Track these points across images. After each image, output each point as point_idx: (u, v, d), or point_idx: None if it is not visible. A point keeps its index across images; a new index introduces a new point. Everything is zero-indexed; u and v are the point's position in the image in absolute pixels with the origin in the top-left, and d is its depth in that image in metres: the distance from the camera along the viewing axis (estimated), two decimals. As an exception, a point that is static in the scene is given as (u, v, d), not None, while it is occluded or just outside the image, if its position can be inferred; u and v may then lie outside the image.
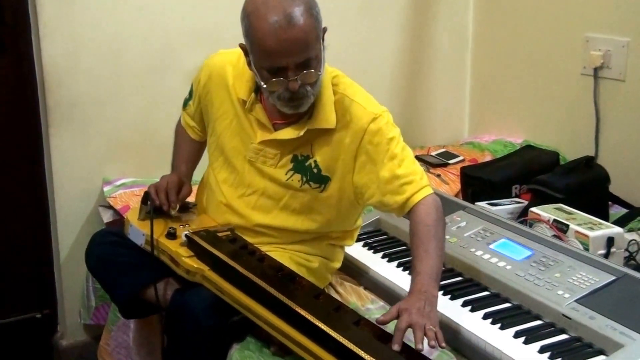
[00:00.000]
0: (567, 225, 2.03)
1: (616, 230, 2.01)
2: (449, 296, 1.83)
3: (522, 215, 2.26)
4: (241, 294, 1.65)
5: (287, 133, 1.79)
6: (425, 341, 1.46)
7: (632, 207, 2.48)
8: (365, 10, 2.96)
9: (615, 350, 1.56)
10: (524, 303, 1.78)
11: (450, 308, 1.78)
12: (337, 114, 1.77)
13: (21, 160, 2.64)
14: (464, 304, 1.79)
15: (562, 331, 1.68)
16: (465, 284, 1.90)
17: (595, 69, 2.65)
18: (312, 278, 1.84)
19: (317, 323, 1.50)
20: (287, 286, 1.63)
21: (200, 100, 1.95)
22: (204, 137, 2.02)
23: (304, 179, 1.81)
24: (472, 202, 2.36)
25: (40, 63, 2.48)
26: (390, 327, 1.53)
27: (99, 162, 2.63)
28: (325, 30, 1.71)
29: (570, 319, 1.67)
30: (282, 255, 1.83)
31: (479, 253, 1.96)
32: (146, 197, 1.89)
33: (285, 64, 1.63)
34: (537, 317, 1.74)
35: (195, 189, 2.06)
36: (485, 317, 1.74)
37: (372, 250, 2.12)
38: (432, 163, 2.86)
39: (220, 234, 1.83)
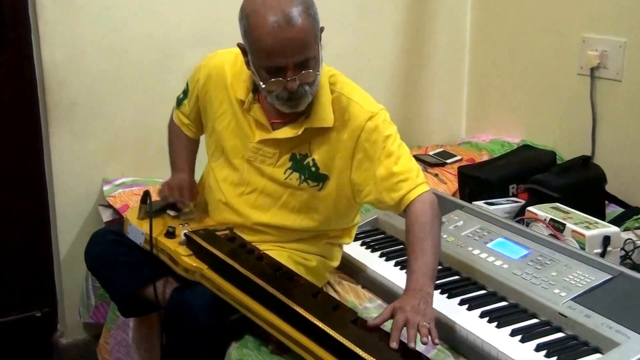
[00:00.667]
0: (564, 225, 2.04)
1: (612, 229, 2.02)
2: (446, 295, 1.84)
3: (519, 215, 2.27)
4: (240, 293, 1.66)
5: (285, 132, 1.80)
6: (418, 338, 1.47)
7: (629, 206, 2.50)
8: (364, 10, 2.97)
9: (610, 349, 1.57)
10: (520, 302, 1.79)
11: (447, 307, 1.79)
12: (335, 112, 1.78)
13: (21, 160, 2.64)
14: (461, 303, 1.80)
15: (558, 329, 1.69)
16: (462, 282, 1.91)
17: (592, 69, 2.66)
18: (310, 277, 1.85)
19: (315, 321, 1.51)
20: (285, 285, 1.64)
21: (198, 100, 1.95)
22: (199, 135, 2.03)
23: (302, 177, 1.83)
24: (470, 201, 2.37)
25: (40, 63, 2.49)
26: (387, 326, 1.54)
27: (99, 161, 2.63)
28: (322, 29, 1.72)
29: (566, 317, 1.68)
30: (281, 254, 1.84)
31: (476, 252, 1.97)
32: (145, 197, 1.90)
33: (284, 64, 1.64)
34: (534, 316, 1.75)
35: (194, 188, 2.07)
36: (482, 315, 1.75)
37: (370, 249, 2.13)
38: (430, 162, 2.87)
39: (219, 233, 1.84)
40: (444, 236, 2.05)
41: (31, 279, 2.74)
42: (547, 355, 1.59)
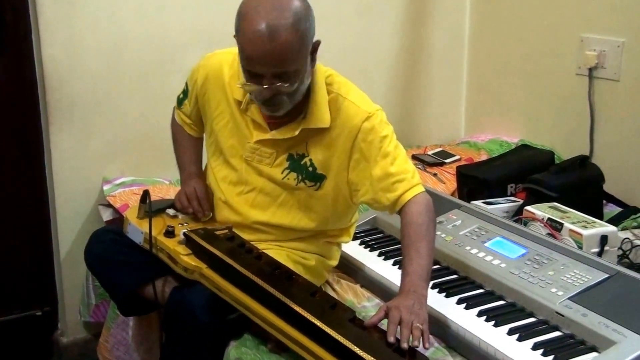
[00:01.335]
0: (562, 224, 2.05)
1: (610, 228, 2.03)
2: (444, 294, 1.85)
3: (518, 214, 2.27)
4: (238, 292, 1.66)
5: (282, 133, 1.81)
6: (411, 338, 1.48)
7: (626, 205, 2.50)
8: (363, 11, 2.97)
9: (607, 347, 1.58)
10: (518, 300, 1.80)
11: (445, 306, 1.80)
12: (332, 113, 1.79)
13: (21, 159, 2.65)
14: (459, 302, 1.81)
15: (556, 328, 1.70)
16: (460, 281, 1.92)
17: (590, 69, 2.67)
18: (309, 276, 1.86)
19: (313, 320, 1.52)
20: (283, 284, 1.65)
21: (197, 100, 1.96)
22: (202, 134, 2.03)
23: (300, 177, 1.83)
24: (468, 201, 2.37)
25: (40, 63, 2.50)
26: (383, 324, 1.54)
27: (99, 161, 2.64)
28: (317, 43, 1.72)
29: (563, 316, 1.69)
30: (279, 253, 1.85)
31: (474, 251, 1.98)
32: (145, 196, 1.90)
33: (260, 71, 1.65)
34: (531, 315, 1.75)
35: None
36: (479, 314, 1.75)
37: (369, 249, 2.14)
38: (429, 162, 2.88)
39: (218, 232, 1.84)
40: (442, 235, 2.06)
41: (31, 278, 2.75)
42: (544, 354, 1.60)
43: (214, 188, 1.94)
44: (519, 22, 2.98)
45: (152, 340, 2.14)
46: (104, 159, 2.64)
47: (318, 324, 1.51)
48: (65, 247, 2.66)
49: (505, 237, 2.01)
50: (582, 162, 2.45)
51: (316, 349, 1.50)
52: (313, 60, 1.73)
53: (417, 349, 1.49)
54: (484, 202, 2.36)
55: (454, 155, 2.94)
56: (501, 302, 1.82)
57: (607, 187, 2.48)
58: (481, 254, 1.96)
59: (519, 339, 1.65)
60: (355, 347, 1.44)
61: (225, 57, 1.89)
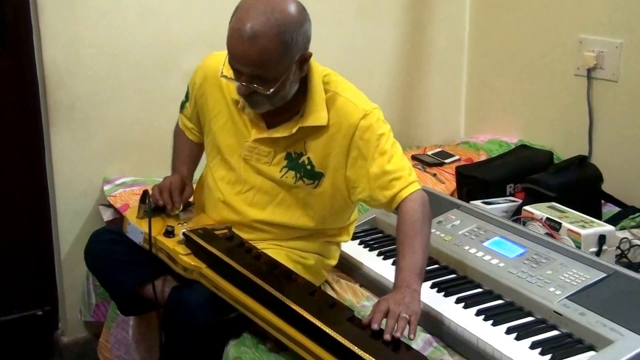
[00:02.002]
0: (560, 224, 2.05)
1: (608, 228, 2.03)
2: (442, 293, 1.86)
3: (516, 214, 2.28)
4: (237, 291, 1.67)
5: (280, 131, 1.82)
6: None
7: (625, 205, 2.50)
8: (363, 12, 2.97)
9: (605, 346, 1.58)
10: (516, 300, 1.80)
11: (444, 305, 1.80)
12: (329, 111, 1.80)
13: (22, 160, 2.66)
14: (457, 301, 1.82)
15: (553, 327, 1.70)
16: (458, 281, 1.93)
17: (589, 70, 2.68)
18: (308, 275, 1.86)
19: (311, 319, 1.53)
20: (282, 283, 1.66)
21: (196, 102, 1.97)
22: (202, 139, 2.04)
23: (298, 175, 1.84)
24: (467, 201, 2.38)
25: (41, 64, 2.50)
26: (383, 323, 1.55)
27: (99, 161, 2.64)
28: (308, 55, 1.72)
29: (561, 315, 1.69)
30: (279, 252, 1.86)
31: (472, 251, 1.98)
32: (144, 196, 1.91)
33: (239, 68, 1.67)
34: (529, 314, 1.76)
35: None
36: (478, 313, 1.76)
37: (368, 248, 2.15)
38: (428, 162, 2.88)
39: (217, 232, 1.85)
40: (441, 235, 2.07)
41: (32, 278, 2.75)
42: (542, 353, 1.61)
43: (213, 188, 1.94)
44: (517, 24, 2.98)
45: (152, 339, 2.15)
46: (104, 160, 2.65)
47: (317, 323, 1.52)
48: (66, 247, 2.67)
49: (503, 236, 2.01)
50: (581, 162, 2.45)
51: (315, 348, 1.51)
52: (302, 70, 1.73)
53: (399, 338, 1.49)
54: (483, 202, 2.37)
55: (453, 156, 2.94)
56: (499, 301, 1.82)
57: (606, 187, 2.49)
58: (480, 254, 1.96)
59: (517, 338, 1.66)
60: (353, 346, 1.45)
61: (222, 58, 1.89)
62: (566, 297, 1.73)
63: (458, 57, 3.23)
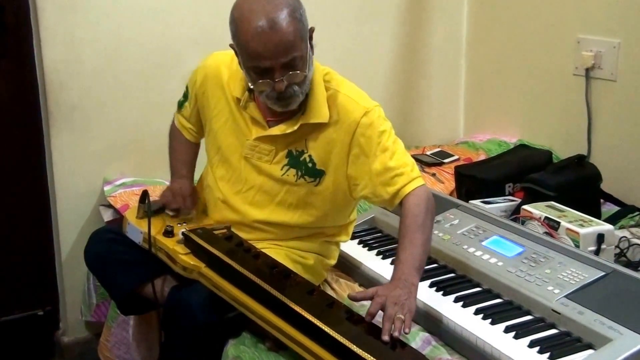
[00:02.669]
0: (559, 223, 2.05)
1: (606, 227, 2.03)
2: (441, 292, 1.86)
3: (515, 213, 2.28)
4: (237, 291, 1.67)
5: (281, 129, 1.82)
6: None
7: (624, 204, 2.51)
8: (362, 13, 2.98)
9: (603, 345, 1.59)
10: (514, 299, 1.80)
11: (443, 304, 1.81)
12: (330, 108, 1.80)
13: (23, 161, 2.66)
14: (456, 300, 1.82)
15: (552, 326, 1.71)
16: (457, 280, 1.93)
17: (587, 70, 2.68)
18: (307, 275, 1.87)
19: (310, 319, 1.53)
20: (281, 283, 1.66)
21: (196, 101, 1.98)
22: (200, 139, 2.05)
23: (299, 173, 1.84)
24: (467, 200, 2.38)
25: (41, 66, 2.51)
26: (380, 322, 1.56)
27: (100, 162, 2.65)
28: (312, 30, 1.75)
29: (559, 314, 1.69)
30: (278, 252, 1.86)
31: (471, 250, 1.98)
32: (144, 196, 1.92)
33: (270, 65, 1.67)
34: (528, 313, 1.76)
35: (193, 188, 2.09)
36: (476, 312, 1.76)
37: (367, 248, 2.15)
38: (428, 162, 2.88)
39: (216, 232, 1.86)
40: (440, 234, 2.07)
41: (33, 278, 2.76)
42: (540, 351, 1.61)
43: (213, 188, 1.95)
44: (516, 24, 2.99)
45: (152, 339, 2.15)
46: (104, 160, 2.66)
47: (315, 322, 1.52)
48: (66, 247, 2.67)
49: (502, 235, 2.01)
50: (580, 162, 2.46)
51: (314, 347, 1.51)
52: (312, 47, 1.75)
53: (397, 337, 1.51)
54: (482, 202, 2.37)
55: (452, 156, 2.94)
56: (498, 300, 1.82)
57: (605, 186, 2.49)
58: (478, 253, 1.96)
59: (516, 337, 1.66)
60: (352, 344, 1.45)
61: (223, 58, 1.91)
62: (565, 296, 1.73)
63: (457, 58, 3.23)
